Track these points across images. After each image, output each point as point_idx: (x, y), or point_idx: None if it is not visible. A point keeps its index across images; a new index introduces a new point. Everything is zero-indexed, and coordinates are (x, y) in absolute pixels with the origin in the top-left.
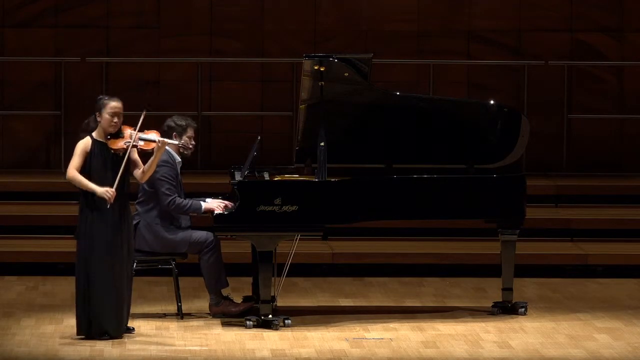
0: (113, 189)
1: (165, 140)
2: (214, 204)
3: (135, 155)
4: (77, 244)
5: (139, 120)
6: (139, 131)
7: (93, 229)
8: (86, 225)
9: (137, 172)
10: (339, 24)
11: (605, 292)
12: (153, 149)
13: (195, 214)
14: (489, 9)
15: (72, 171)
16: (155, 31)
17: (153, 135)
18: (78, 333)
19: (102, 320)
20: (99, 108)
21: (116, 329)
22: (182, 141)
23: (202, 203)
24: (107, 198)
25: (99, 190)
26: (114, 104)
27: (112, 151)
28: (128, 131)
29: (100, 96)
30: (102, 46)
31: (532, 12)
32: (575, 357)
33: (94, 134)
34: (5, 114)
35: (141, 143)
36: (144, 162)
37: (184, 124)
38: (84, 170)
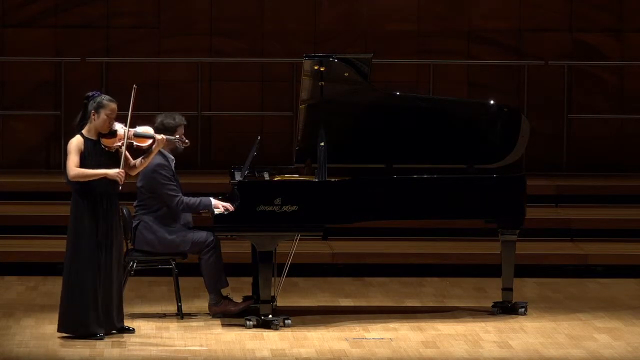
0: (122, 170)
1: (164, 137)
2: (219, 203)
3: (126, 151)
4: (77, 245)
5: (127, 118)
6: (131, 127)
7: (89, 229)
8: (84, 226)
9: (128, 168)
10: (339, 24)
11: (605, 292)
12: (148, 145)
13: (207, 210)
14: (489, 9)
15: (75, 169)
16: (155, 31)
17: (148, 130)
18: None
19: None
20: (96, 107)
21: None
22: (177, 137)
23: (211, 199)
24: (119, 179)
25: (111, 172)
26: (114, 106)
27: (106, 149)
28: (121, 129)
29: (95, 93)
30: (102, 46)
31: (532, 12)
32: (575, 357)
33: (84, 131)
34: (5, 114)
35: (136, 140)
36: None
37: (174, 123)
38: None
